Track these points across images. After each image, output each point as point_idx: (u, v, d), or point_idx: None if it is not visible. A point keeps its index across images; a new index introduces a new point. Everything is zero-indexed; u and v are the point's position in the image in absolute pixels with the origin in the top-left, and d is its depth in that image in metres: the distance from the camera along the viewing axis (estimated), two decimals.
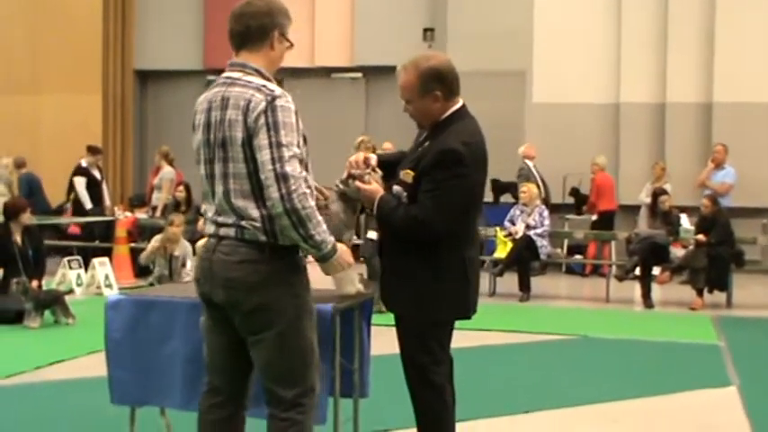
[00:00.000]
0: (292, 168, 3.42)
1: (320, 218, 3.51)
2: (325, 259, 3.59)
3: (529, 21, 16.15)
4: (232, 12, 3.72)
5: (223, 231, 3.60)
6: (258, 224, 3.53)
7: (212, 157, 3.61)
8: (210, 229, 3.67)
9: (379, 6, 17.49)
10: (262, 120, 3.46)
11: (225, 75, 3.67)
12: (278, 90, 3.54)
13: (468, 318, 4.22)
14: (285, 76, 18.37)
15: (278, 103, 3.48)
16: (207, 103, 3.66)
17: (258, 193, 3.51)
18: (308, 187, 3.51)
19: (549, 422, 6.10)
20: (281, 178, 3.41)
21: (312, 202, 3.47)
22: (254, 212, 3.53)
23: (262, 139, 3.45)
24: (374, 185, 4.15)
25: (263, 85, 3.55)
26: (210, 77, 18.44)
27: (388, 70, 15.85)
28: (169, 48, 18.71)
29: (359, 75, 18.17)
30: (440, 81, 4.08)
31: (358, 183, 4.14)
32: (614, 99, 16.01)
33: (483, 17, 16.17)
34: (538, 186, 13.70)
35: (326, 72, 18.17)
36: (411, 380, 4.16)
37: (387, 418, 5.49)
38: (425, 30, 17.27)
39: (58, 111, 18.21)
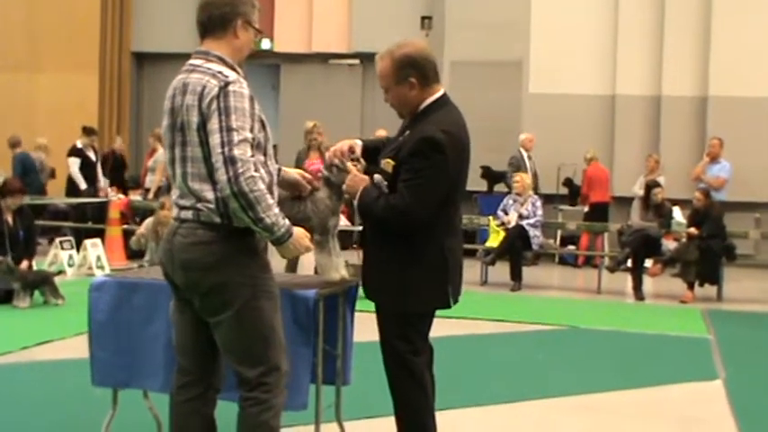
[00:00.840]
0: (241, 152, 3.47)
1: (271, 201, 3.54)
2: (279, 242, 3.62)
3: (526, 11, 16.13)
4: (199, 1, 3.79)
5: (183, 214, 3.69)
6: (212, 206, 3.59)
7: (173, 141, 3.70)
8: (174, 211, 3.76)
9: None
10: (214, 105, 3.53)
11: (189, 62, 3.76)
12: (232, 76, 3.59)
13: (449, 307, 4.21)
14: (283, 61, 18.38)
15: (230, 88, 3.55)
16: (172, 89, 3.75)
17: (212, 176, 3.57)
18: (263, 172, 3.56)
19: (529, 412, 6.11)
20: (229, 161, 3.46)
21: (262, 186, 3.49)
22: (209, 194, 3.59)
23: (213, 124, 3.52)
24: (358, 176, 4.15)
25: (219, 71, 3.61)
26: None
27: None
28: (166, 30, 18.65)
29: (356, 62, 18.15)
30: (413, 67, 4.07)
31: (344, 173, 4.15)
32: (610, 91, 16.02)
33: (481, 7, 16.15)
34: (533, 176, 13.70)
35: (324, 58, 18.15)
36: (390, 368, 4.17)
37: (368, 405, 5.49)
38: (423, 18, 17.25)
39: (54, 89, 18.19)
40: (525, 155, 14.86)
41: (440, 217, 4.06)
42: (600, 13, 16.06)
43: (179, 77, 3.74)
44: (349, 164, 4.21)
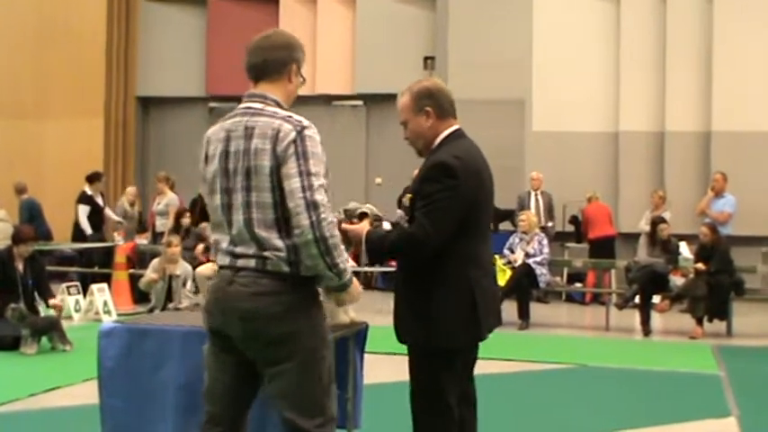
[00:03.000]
0: (321, 197, 3.46)
1: (342, 247, 3.55)
2: (344, 288, 3.61)
3: (528, 50, 16.22)
4: (249, 46, 3.76)
5: (241, 262, 3.57)
6: (282, 254, 3.52)
7: (231, 186, 3.60)
8: (225, 260, 3.63)
9: (380, 35, 17.57)
10: (291, 149, 3.49)
11: (245, 105, 3.69)
12: (305, 121, 3.58)
13: (478, 341, 4.16)
14: None
15: (306, 133, 3.53)
16: (224, 132, 3.66)
17: (282, 223, 3.52)
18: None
19: None
20: (312, 206, 3.44)
21: (337, 232, 3.52)
22: (278, 242, 3.52)
23: (291, 168, 3.48)
24: (359, 226, 4.17)
25: (290, 116, 3.59)
26: (212, 104, 18.57)
27: (389, 98, 15.78)
28: (171, 75, 18.78)
29: (360, 102, 18.22)
30: (430, 98, 4.16)
31: (344, 224, 4.16)
32: (613, 128, 16.05)
33: (483, 46, 16.24)
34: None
35: (327, 100, 18.22)
36: (415, 407, 4.11)
37: None
38: (426, 58, 17.33)
39: (60, 136, 18.25)
40: (533, 194, 14.91)
41: (464, 249, 4.03)
42: (601, 51, 16.15)
43: (234, 120, 3.66)
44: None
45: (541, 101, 16.15)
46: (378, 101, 17.11)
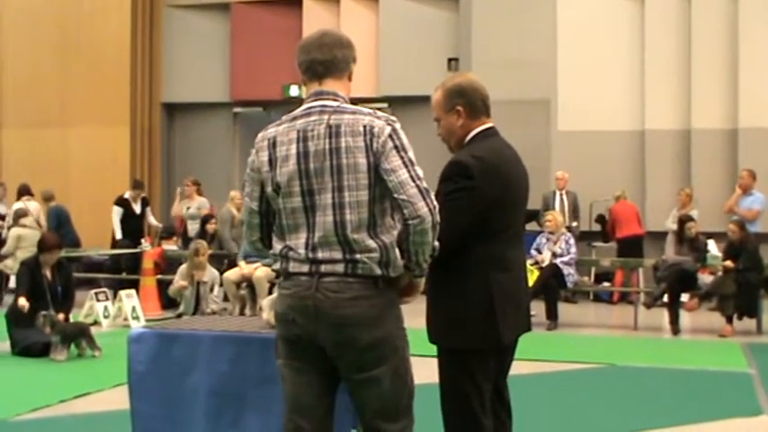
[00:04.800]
0: (427, 185, 3.48)
1: None
2: (422, 276, 3.66)
3: (552, 49, 16.16)
4: (308, 42, 3.71)
5: (326, 268, 3.48)
6: (375, 255, 3.47)
7: (314, 187, 3.50)
8: (302, 267, 3.52)
9: (403, 37, 17.56)
10: (390, 143, 3.47)
11: (318, 103, 3.61)
12: (390, 116, 3.59)
13: (501, 345, 4.07)
14: None
15: (397, 126, 3.54)
16: (297, 132, 3.56)
17: (372, 222, 3.48)
18: None
19: None
20: (426, 193, 3.45)
21: None
22: (371, 243, 3.47)
23: (394, 161, 3.45)
24: None
25: (374, 112, 3.58)
26: (237, 109, 18.64)
27: (414, 100, 15.90)
28: (196, 80, 18.83)
29: (384, 105, 18.22)
30: (461, 96, 4.11)
31: None
32: (639, 126, 15.96)
33: (507, 46, 16.20)
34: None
35: (352, 103, 18.20)
36: (443, 409, 4.09)
37: None
38: (450, 59, 17.29)
39: (86, 144, 18.36)
40: (558, 193, 14.87)
41: (487, 251, 3.96)
42: (626, 48, 16.06)
43: (310, 119, 3.56)
44: None
45: (567, 100, 16.09)
46: (402, 103, 17.09)
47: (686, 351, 10.45)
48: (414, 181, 3.43)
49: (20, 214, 14.33)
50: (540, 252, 12.58)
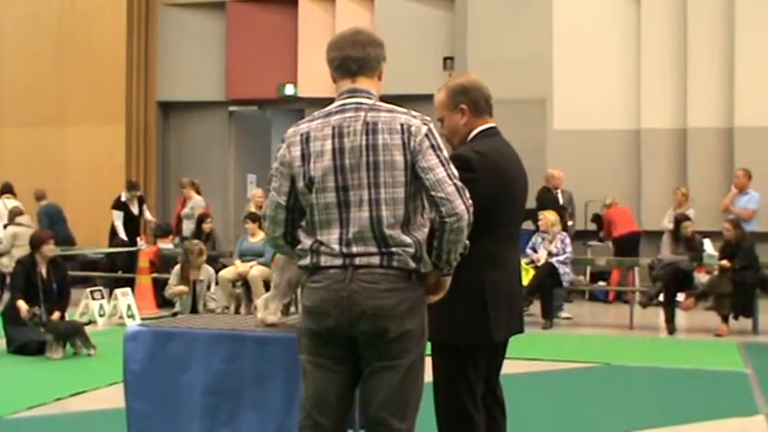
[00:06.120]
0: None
1: None
2: (450, 275, 3.67)
3: (548, 48, 16.18)
4: (341, 39, 3.72)
5: (360, 260, 3.49)
6: (411, 249, 3.50)
7: (348, 183, 3.51)
8: (335, 261, 3.52)
9: (398, 36, 17.49)
10: (427, 142, 3.52)
11: (353, 101, 3.63)
12: (425, 116, 3.63)
13: (493, 342, 4.12)
14: (307, 106, 18.45)
15: (432, 126, 3.60)
16: (333, 128, 3.57)
17: (407, 219, 3.52)
18: None
19: None
20: (462, 191, 3.49)
21: None
22: (406, 238, 3.51)
23: (431, 160, 3.50)
24: None
25: (409, 111, 3.62)
26: (232, 108, 18.62)
27: (409, 99, 15.83)
28: (191, 79, 18.82)
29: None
30: (465, 95, 4.18)
31: None
32: (635, 125, 15.98)
33: (502, 45, 16.20)
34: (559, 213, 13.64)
35: None
36: (436, 405, 4.11)
37: None
38: (445, 59, 17.29)
39: (82, 142, 18.33)
40: (553, 192, 14.84)
41: (481, 248, 3.94)
42: (622, 48, 16.08)
43: (345, 116, 3.58)
44: None
45: (562, 99, 16.10)
46: (398, 102, 17.07)
47: (682, 350, 10.45)
48: (450, 179, 3.49)
49: (15, 213, 14.30)
50: (535, 251, 12.59)
